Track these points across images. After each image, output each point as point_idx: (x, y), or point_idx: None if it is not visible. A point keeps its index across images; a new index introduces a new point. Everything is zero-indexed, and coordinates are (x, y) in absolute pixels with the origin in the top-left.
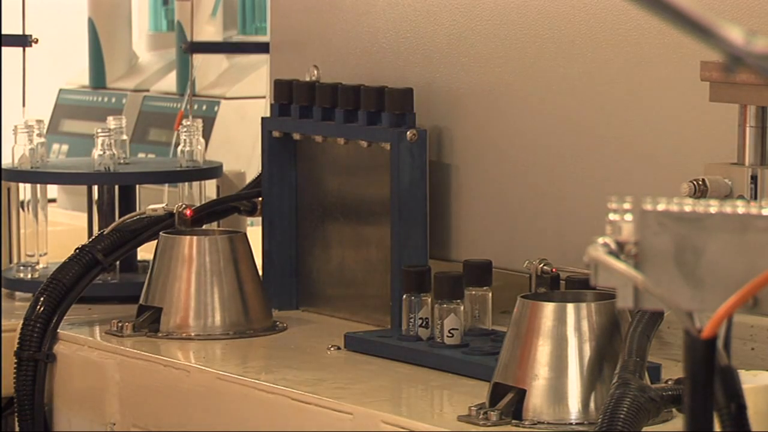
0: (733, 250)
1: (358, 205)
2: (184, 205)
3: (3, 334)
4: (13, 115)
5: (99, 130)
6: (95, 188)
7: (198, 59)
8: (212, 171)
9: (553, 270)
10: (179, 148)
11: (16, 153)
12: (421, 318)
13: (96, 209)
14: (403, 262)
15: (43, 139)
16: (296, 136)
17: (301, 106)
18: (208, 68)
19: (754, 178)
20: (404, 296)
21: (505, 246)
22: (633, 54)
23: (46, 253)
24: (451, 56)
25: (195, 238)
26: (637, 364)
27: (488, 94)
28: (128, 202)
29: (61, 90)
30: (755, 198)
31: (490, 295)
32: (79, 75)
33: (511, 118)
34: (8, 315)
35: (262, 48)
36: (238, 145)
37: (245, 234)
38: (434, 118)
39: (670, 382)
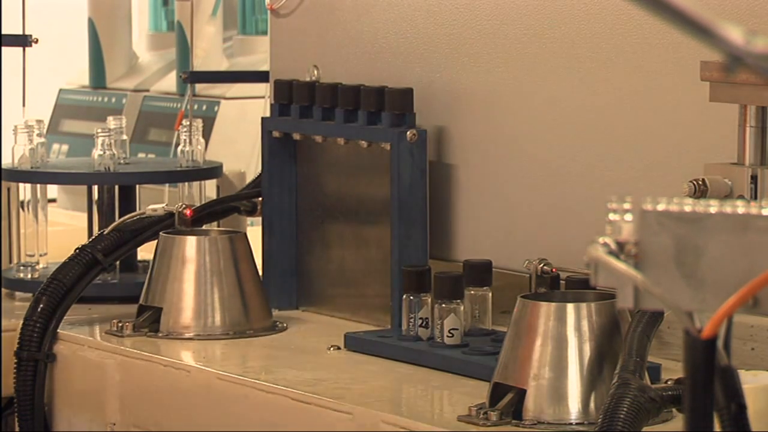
0: (733, 250)
1: (358, 205)
2: (184, 205)
3: (3, 334)
4: (13, 115)
5: (99, 130)
6: (95, 188)
7: (198, 59)
8: (212, 171)
9: (553, 270)
10: (179, 148)
11: (16, 153)
12: (421, 318)
13: (96, 209)
14: (403, 262)
15: (43, 139)
16: (296, 136)
17: (301, 106)
18: (208, 68)
19: (754, 178)
20: (404, 296)
21: (505, 246)
22: (633, 54)
23: (46, 253)
24: (451, 56)
25: (195, 238)
26: (637, 364)
27: (488, 94)
28: (128, 202)
29: (61, 90)
30: (755, 198)
31: (490, 295)
32: (79, 75)
33: (511, 118)
34: (8, 315)
35: (262, 77)
36: (238, 145)
37: (245, 234)
38: (434, 118)
39: (670, 382)
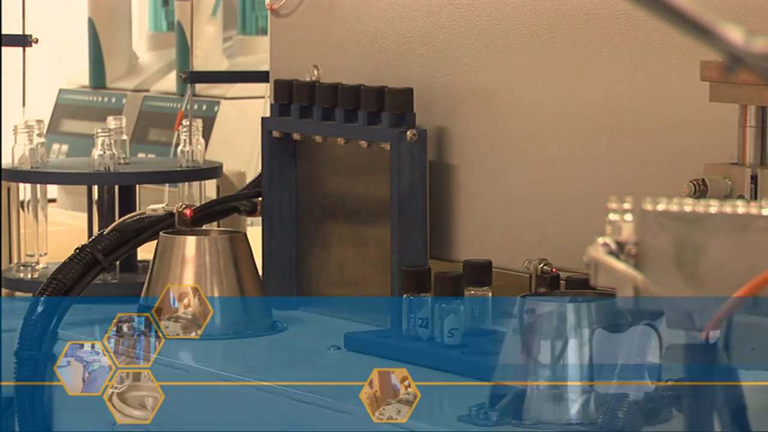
0: (733, 250)
1: (358, 205)
2: (184, 205)
3: (3, 334)
4: (13, 115)
5: (99, 130)
6: (95, 188)
7: (198, 59)
8: (212, 171)
9: (553, 270)
10: (179, 148)
11: (16, 153)
12: (421, 318)
13: (96, 209)
14: (403, 262)
15: (43, 139)
16: (296, 136)
17: (301, 106)
18: (208, 68)
19: (754, 178)
20: (404, 296)
21: (505, 246)
22: (633, 54)
23: (46, 253)
24: (451, 56)
25: (195, 238)
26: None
27: (488, 94)
28: (128, 202)
29: (61, 90)
30: (755, 198)
31: (490, 295)
32: (79, 75)
33: (511, 118)
34: (8, 315)
35: (262, 77)
36: (238, 145)
37: (245, 234)
38: (434, 118)
39: (670, 382)
